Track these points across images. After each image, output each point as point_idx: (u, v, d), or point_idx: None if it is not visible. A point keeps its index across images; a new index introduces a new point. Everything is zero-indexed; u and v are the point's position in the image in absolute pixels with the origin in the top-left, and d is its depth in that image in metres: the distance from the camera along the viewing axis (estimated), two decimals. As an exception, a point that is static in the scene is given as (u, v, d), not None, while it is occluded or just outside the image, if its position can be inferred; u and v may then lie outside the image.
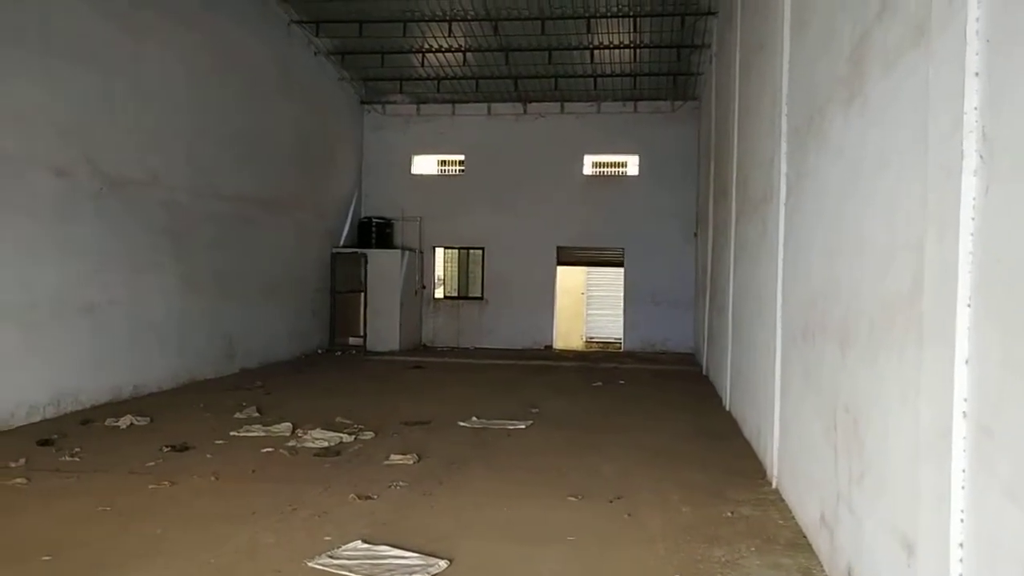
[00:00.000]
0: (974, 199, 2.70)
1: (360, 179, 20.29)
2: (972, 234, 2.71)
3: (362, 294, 18.51)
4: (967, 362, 2.72)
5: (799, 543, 5.34)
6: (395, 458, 7.49)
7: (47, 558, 4.88)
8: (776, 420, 6.71)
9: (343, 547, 5.04)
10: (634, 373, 15.26)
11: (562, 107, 19.69)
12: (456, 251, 20.77)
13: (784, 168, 6.71)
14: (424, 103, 20.12)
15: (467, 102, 19.87)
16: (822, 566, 4.87)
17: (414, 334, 19.80)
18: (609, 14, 15.31)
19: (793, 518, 5.86)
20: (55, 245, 9.49)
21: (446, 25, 15.96)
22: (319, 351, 17.64)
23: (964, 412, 2.73)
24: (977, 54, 2.71)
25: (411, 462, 7.39)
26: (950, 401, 2.77)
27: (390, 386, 12.91)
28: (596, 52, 17.04)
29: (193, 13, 12.50)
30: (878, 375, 3.87)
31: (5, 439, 8.19)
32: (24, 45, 9.00)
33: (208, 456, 7.65)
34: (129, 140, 10.91)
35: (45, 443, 7.97)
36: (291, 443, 8.13)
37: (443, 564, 4.78)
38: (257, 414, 9.63)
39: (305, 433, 8.46)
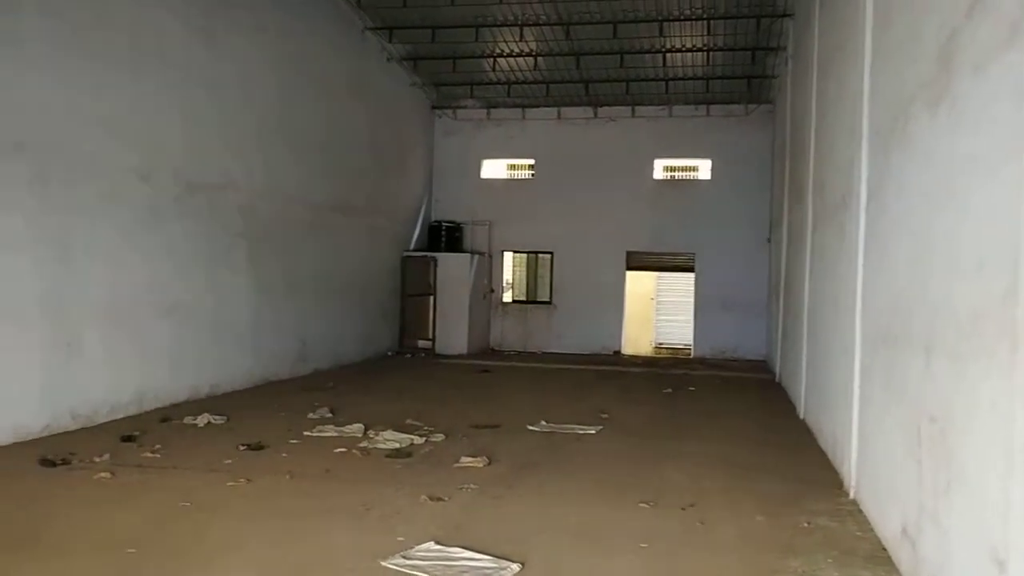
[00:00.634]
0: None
1: (430, 183, 20.47)
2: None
3: (431, 297, 18.66)
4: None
5: (879, 556, 5.19)
6: (465, 460, 7.53)
7: (132, 551, 5.02)
8: (854, 429, 6.54)
9: (416, 547, 5.07)
10: (704, 380, 15.05)
11: (633, 111, 19.54)
12: (525, 255, 20.81)
13: (865, 172, 6.54)
14: (495, 107, 20.20)
15: (537, 106, 19.88)
16: (904, 581, 4.73)
17: (482, 338, 19.88)
18: (682, 17, 15.14)
19: (872, 530, 5.69)
20: (139, 248, 9.81)
21: (518, 30, 16.00)
22: (389, 353, 17.84)
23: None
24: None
25: (481, 465, 7.41)
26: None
27: (459, 389, 12.97)
28: (668, 55, 16.87)
29: (270, 22, 12.78)
30: (968, 384, 3.73)
31: (91, 435, 8.48)
32: (115, 59, 9.36)
33: (283, 455, 7.80)
34: (209, 146, 11.22)
35: (128, 439, 8.22)
36: (363, 444, 8.23)
37: (515, 567, 4.77)
38: (330, 415, 9.78)
39: (377, 434, 8.57)
